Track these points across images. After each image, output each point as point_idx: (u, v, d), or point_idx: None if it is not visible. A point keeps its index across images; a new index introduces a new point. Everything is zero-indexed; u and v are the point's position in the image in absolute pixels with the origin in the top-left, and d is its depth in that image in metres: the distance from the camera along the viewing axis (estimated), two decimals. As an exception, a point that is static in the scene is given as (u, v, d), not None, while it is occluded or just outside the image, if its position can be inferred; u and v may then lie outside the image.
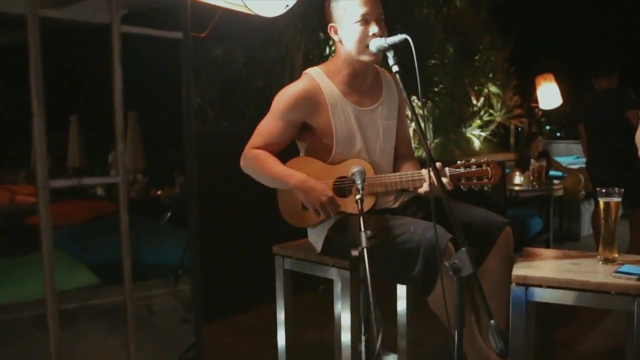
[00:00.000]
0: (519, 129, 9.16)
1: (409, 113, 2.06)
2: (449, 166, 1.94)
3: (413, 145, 2.29)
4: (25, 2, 0.74)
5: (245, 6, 1.73)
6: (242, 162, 2.07)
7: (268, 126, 2.04)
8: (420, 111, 3.07)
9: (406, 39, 1.69)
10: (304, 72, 2.10)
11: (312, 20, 5.25)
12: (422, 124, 1.74)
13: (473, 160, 1.94)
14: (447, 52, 7.34)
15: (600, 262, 1.91)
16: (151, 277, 3.71)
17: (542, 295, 1.77)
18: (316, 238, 2.11)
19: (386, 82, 2.15)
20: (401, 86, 1.80)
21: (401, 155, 2.20)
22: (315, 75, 2.04)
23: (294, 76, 6.08)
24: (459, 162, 1.94)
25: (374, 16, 1.92)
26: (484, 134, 8.20)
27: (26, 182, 8.61)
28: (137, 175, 9.03)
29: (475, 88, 8.12)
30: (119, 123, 0.86)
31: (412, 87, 1.82)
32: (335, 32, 2.01)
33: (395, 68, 1.72)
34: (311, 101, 2.00)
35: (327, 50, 6.21)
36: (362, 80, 2.06)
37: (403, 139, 2.21)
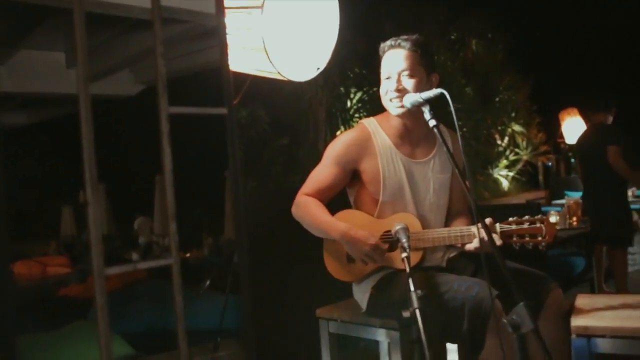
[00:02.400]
0: (547, 165, 9.05)
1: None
2: (500, 222, 1.88)
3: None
4: (78, 81, 0.74)
5: (279, 73, 1.75)
6: (293, 208, 2.08)
7: (320, 173, 2.06)
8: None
9: (442, 93, 1.69)
10: (360, 121, 2.15)
11: (332, 75, 5.34)
12: (466, 180, 1.71)
13: (526, 217, 1.88)
14: (468, 95, 7.37)
15: (664, 307, 1.81)
16: (188, 345, 3.64)
17: (607, 346, 1.68)
18: (361, 295, 2.06)
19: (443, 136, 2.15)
20: (457, 139, 1.79)
21: (455, 212, 2.15)
22: (367, 124, 2.08)
23: (319, 131, 6.15)
24: (510, 218, 1.89)
25: (395, 72, 1.96)
26: (511, 174, 8.11)
27: (56, 253, 8.71)
28: (166, 239, 9.08)
29: (499, 128, 8.08)
30: (171, 203, 0.84)
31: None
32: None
33: (432, 122, 1.72)
34: (362, 148, 2.02)
35: (349, 104, 6.29)
36: (415, 133, 2.06)
37: (456, 195, 2.16)
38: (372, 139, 2.03)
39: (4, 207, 0.74)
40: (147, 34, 3.10)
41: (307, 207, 2.03)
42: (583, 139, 4.69)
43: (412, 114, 1.97)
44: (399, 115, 1.99)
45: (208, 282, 3.16)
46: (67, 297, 5.67)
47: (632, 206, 6.12)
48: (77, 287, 5.99)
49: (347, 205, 2.15)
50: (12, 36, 3.13)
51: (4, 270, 0.77)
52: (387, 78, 1.99)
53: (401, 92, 1.94)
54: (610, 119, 4.47)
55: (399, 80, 1.95)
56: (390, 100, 1.97)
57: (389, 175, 2.01)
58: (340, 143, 2.05)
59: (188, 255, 7.32)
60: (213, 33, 2.90)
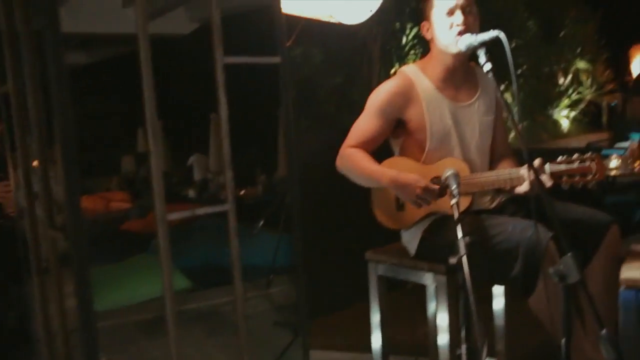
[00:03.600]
0: (612, 104, 8.63)
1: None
2: (549, 162, 1.85)
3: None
4: (137, 22, 0.76)
5: (331, 16, 1.73)
6: (338, 162, 2.10)
7: (363, 124, 2.06)
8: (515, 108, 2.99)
9: (497, 37, 1.64)
10: (399, 70, 2.11)
11: (388, 11, 5.17)
12: (517, 120, 1.67)
13: (576, 155, 1.84)
14: (531, 30, 7.01)
15: None
16: (242, 280, 3.77)
17: (657, 298, 1.67)
18: (410, 240, 2.09)
19: (482, 78, 2.10)
20: (495, 84, 1.74)
21: (499, 154, 2.14)
22: (409, 72, 2.05)
23: (372, 69, 6.04)
24: (560, 157, 1.85)
25: (459, 6, 1.91)
26: (573, 114, 7.78)
27: (118, 189, 9.08)
28: (221, 176, 9.32)
29: (562, 65, 7.71)
30: (227, 152, 0.88)
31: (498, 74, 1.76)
32: (427, 30, 2.04)
33: (487, 66, 1.67)
34: (405, 97, 2.00)
35: (404, 40, 6.11)
36: (457, 76, 2.03)
37: (500, 137, 2.15)
38: (415, 86, 2.00)
39: (76, 146, 0.79)
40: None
41: (352, 159, 2.03)
42: None
43: (460, 55, 1.94)
44: (455, 55, 1.95)
45: (262, 222, 3.26)
46: (128, 231, 5.98)
47: None
48: (138, 222, 6.29)
49: (390, 155, 2.14)
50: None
51: (77, 205, 0.83)
52: (448, 13, 1.93)
53: (468, 28, 1.89)
54: None
55: (465, 15, 1.91)
56: (459, 34, 1.90)
57: (435, 121, 1.99)
58: (383, 93, 2.02)
59: (242, 192, 7.48)
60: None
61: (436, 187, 1.92)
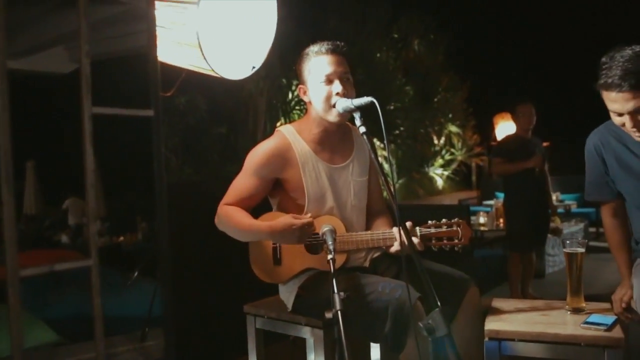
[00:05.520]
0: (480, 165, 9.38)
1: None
2: (419, 226, 1.95)
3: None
4: None
5: (213, 70, 1.73)
6: (216, 219, 2.06)
7: (241, 183, 2.05)
8: (387, 167, 3.12)
9: (372, 102, 1.72)
10: (276, 129, 2.12)
11: (275, 67, 5.31)
12: (392, 183, 1.75)
13: (444, 220, 1.95)
14: (408, 94, 7.54)
15: (569, 313, 1.93)
16: (115, 332, 3.55)
17: (515, 348, 1.78)
18: (287, 295, 2.09)
19: (357, 140, 2.17)
20: (369, 147, 1.81)
21: (374, 212, 2.21)
22: (286, 133, 2.06)
23: (258, 122, 6.11)
24: (429, 222, 1.96)
25: (338, 75, 1.95)
26: (446, 173, 8.37)
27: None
28: (97, 222, 8.79)
29: (436, 128, 8.31)
30: (92, 202, 0.84)
31: (375, 131, 1.84)
32: (304, 93, 2.04)
33: (362, 129, 1.74)
34: (282, 158, 2.01)
35: (290, 95, 6.27)
36: (333, 138, 2.08)
37: (375, 196, 2.22)
38: (292, 147, 2.02)
39: None
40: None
41: (229, 215, 2.01)
42: None
43: (333, 121, 1.99)
44: (334, 122, 2.00)
45: (136, 273, 3.09)
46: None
47: (559, 210, 6.35)
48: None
49: (268, 210, 2.15)
50: None
51: None
52: (326, 81, 1.94)
53: (346, 96, 1.91)
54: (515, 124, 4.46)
55: (343, 84, 1.93)
56: (333, 105, 1.93)
57: (311, 183, 2.02)
58: (261, 154, 2.02)
59: (121, 239, 7.12)
60: (143, 18, 2.81)
61: (312, 219, 1.95)
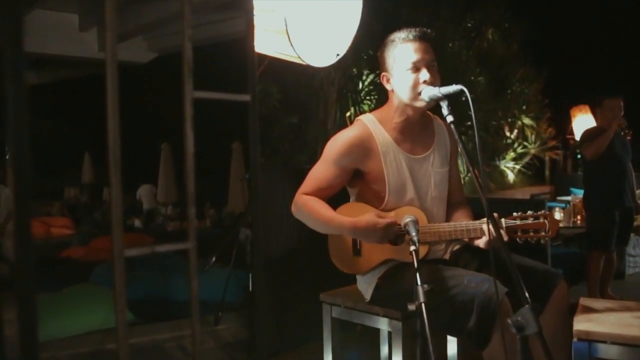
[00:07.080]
0: (555, 160, 9.03)
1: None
2: (505, 217, 1.88)
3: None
4: (106, 48, 0.72)
5: (299, 57, 1.73)
6: (293, 208, 2.05)
7: (320, 172, 2.02)
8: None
9: (462, 90, 1.66)
10: (357, 118, 2.09)
11: (346, 56, 5.28)
12: (481, 179, 1.69)
13: (530, 212, 1.88)
14: (481, 85, 7.33)
15: (665, 316, 1.82)
16: (187, 315, 3.63)
17: (607, 351, 1.70)
18: (366, 286, 2.07)
19: (438, 130, 2.12)
20: (456, 136, 1.76)
21: (453, 203, 2.16)
22: (367, 122, 2.02)
23: (328, 112, 6.11)
24: (515, 213, 1.89)
25: (425, 63, 1.90)
26: (518, 167, 8.10)
27: (60, 214, 8.74)
28: (168, 207, 9.11)
29: (509, 120, 8.05)
30: (191, 187, 0.84)
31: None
32: (388, 81, 2.00)
33: (449, 118, 1.69)
34: (363, 148, 1.97)
35: (360, 85, 6.24)
36: (415, 128, 2.03)
37: (455, 187, 2.17)
38: (373, 137, 1.98)
39: (30, 171, 0.74)
40: (161, 3, 3.07)
41: (308, 206, 1.98)
42: None
43: (421, 107, 1.95)
44: (418, 109, 1.96)
45: (214, 259, 3.15)
46: (69, 258, 5.70)
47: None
48: (80, 249, 6.02)
49: (346, 199, 2.12)
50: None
51: (27, 227, 0.76)
52: (413, 69, 1.90)
53: (433, 85, 1.87)
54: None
55: (430, 72, 1.89)
56: (419, 94, 1.89)
57: (392, 173, 1.98)
58: (342, 143, 1.98)
59: (190, 226, 7.29)
60: (237, 4, 2.86)
61: (395, 219, 1.90)
